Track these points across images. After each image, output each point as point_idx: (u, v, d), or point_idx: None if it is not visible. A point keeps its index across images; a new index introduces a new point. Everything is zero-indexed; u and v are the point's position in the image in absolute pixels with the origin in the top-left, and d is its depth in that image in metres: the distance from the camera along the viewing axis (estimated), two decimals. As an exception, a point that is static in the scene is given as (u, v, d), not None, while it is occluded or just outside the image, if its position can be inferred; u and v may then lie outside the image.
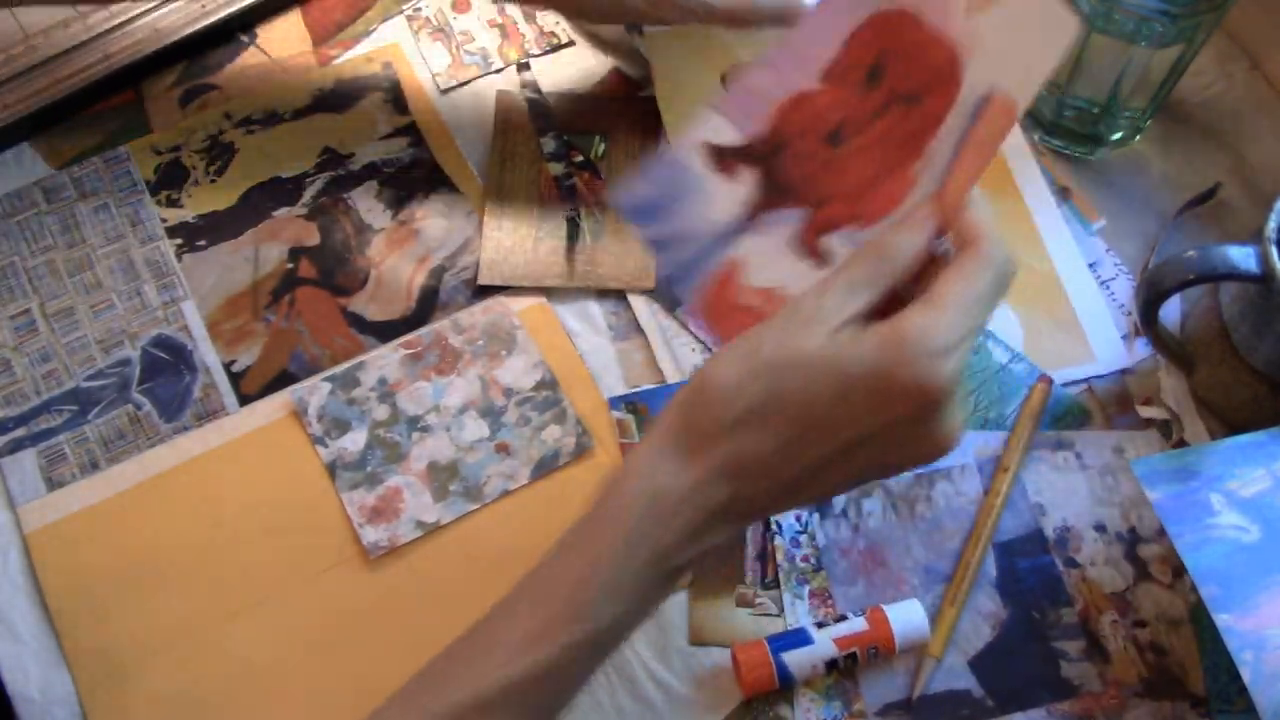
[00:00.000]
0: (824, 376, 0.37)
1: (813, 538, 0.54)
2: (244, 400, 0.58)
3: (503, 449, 0.56)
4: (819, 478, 0.39)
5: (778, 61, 0.45)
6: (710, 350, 0.59)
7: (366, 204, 0.63)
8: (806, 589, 0.53)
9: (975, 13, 0.40)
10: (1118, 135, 0.63)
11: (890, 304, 0.39)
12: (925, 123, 0.42)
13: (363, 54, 0.67)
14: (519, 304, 0.60)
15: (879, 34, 0.43)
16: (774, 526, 0.54)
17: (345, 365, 0.58)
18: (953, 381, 0.37)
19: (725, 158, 0.45)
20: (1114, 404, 0.57)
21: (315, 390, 0.57)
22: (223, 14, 0.67)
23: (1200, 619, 0.52)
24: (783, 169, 0.45)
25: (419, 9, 0.69)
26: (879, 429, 0.38)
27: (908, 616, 0.51)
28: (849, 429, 0.38)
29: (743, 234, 0.45)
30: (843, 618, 0.51)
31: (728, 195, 0.45)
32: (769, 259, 0.44)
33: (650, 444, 0.40)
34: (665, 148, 0.44)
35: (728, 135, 0.45)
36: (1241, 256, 0.48)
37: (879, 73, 0.43)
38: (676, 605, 0.53)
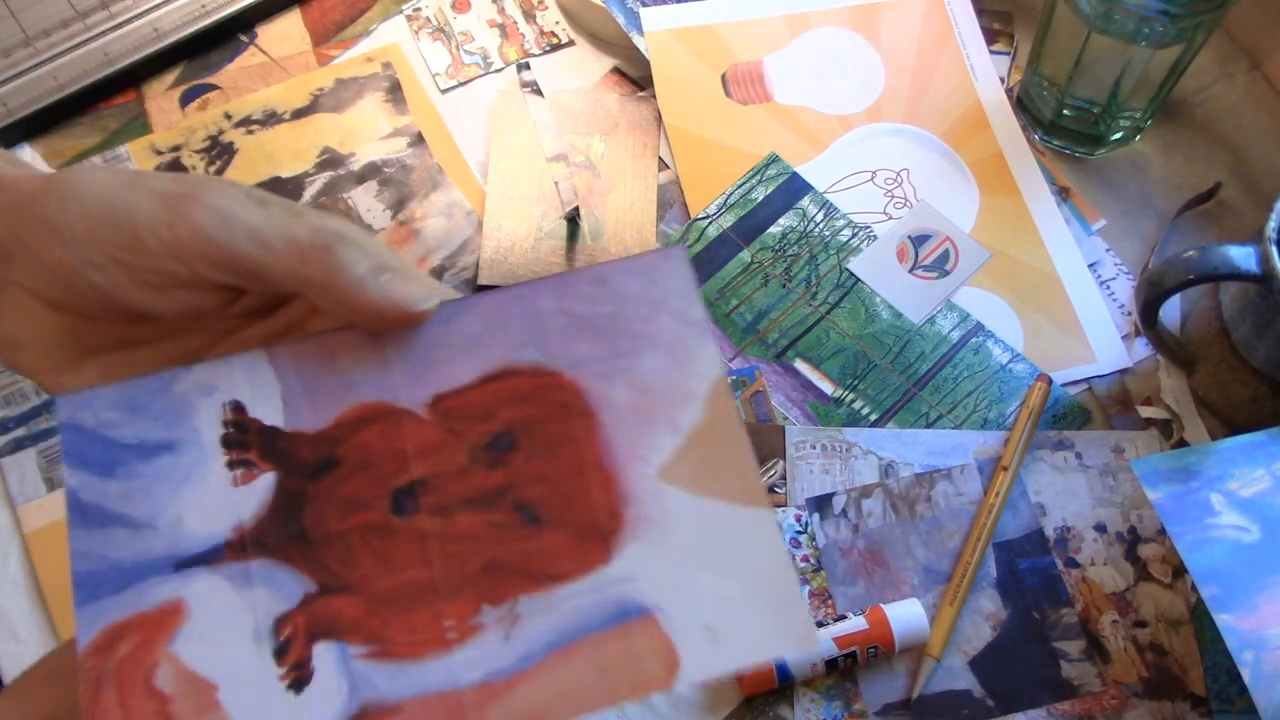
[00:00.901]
0: None
1: (813, 538, 0.54)
2: (244, 400, 0.58)
3: (502, 449, 0.56)
4: None
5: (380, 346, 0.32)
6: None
7: (366, 204, 0.63)
8: (806, 589, 0.53)
9: (678, 482, 0.30)
10: (1118, 135, 0.63)
11: None
12: (533, 559, 0.30)
13: (363, 54, 0.67)
14: (519, 304, 0.60)
15: (529, 397, 0.31)
16: (774, 527, 0.54)
17: (345, 365, 0.58)
18: None
19: (250, 441, 0.31)
20: (1114, 404, 0.57)
21: (314, 390, 0.57)
22: (223, 14, 0.67)
23: (1200, 619, 0.52)
24: (313, 503, 0.30)
25: (419, 9, 0.69)
26: None
27: (907, 616, 0.51)
28: None
29: (205, 570, 0.29)
30: (843, 617, 0.51)
31: (222, 500, 0.30)
32: (222, 631, 0.29)
33: None
34: (174, 373, 0.31)
35: (269, 408, 0.31)
36: (1241, 256, 0.48)
37: (507, 446, 0.31)
38: (676, 605, 0.53)
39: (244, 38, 0.68)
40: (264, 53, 0.68)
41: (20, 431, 0.57)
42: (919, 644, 0.51)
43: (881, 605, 0.51)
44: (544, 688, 0.28)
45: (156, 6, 0.66)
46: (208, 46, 0.67)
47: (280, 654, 0.29)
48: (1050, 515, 0.55)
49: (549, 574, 0.30)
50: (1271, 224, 0.49)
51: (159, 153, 0.64)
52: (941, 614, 0.52)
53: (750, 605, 0.29)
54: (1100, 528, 0.54)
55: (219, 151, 0.64)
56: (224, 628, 0.29)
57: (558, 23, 0.69)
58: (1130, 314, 0.60)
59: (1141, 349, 0.59)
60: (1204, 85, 0.66)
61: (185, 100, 0.66)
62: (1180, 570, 0.53)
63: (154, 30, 0.66)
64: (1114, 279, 0.61)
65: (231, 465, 0.30)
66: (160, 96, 0.66)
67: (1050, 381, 0.57)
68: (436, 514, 0.30)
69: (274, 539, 0.30)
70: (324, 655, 0.29)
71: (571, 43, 0.68)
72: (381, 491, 0.30)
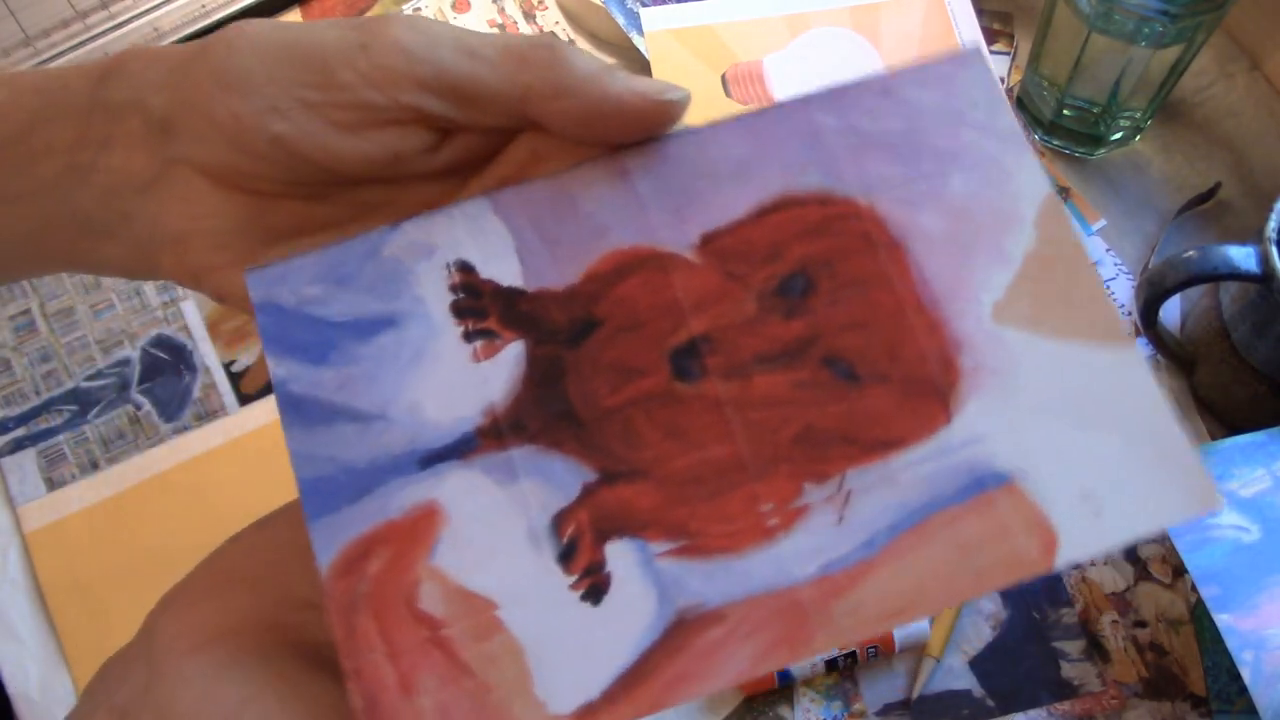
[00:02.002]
0: None
1: (813, 538, 0.54)
2: (244, 400, 0.58)
3: (503, 449, 0.56)
4: None
5: (637, 174, 0.26)
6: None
7: (366, 204, 0.63)
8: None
9: (1018, 322, 0.25)
10: (1118, 135, 0.63)
11: None
12: (857, 424, 0.25)
13: (363, 54, 0.67)
14: (519, 304, 0.60)
15: (821, 229, 0.26)
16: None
17: (345, 365, 0.58)
18: None
19: (486, 307, 0.26)
20: (1114, 404, 0.57)
21: (315, 390, 0.57)
22: (222, 14, 0.67)
23: (1200, 619, 0.52)
24: (577, 374, 0.25)
25: (419, 9, 0.69)
26: None
27: (908, 616, 0.51)
28: None
29: (458, 465, 0.24)
30: (843, 618, 0.51)
31: (463, 379, 0.25)
32: (490, 537, 0.24)
33: None
34: (380, 233, 0.26)
35: (504, 266, 0.26)
36: (1241, 256, 0.48)
37: (803, 289, 0.26)
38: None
39: (244, 38, 0.68)
40: (264, 53, 0.68)
41: (20, 431, 0.57)
42: (919, 644, 0.51)
43: (881, 605, 0.51)
44: (896, 577, 0.23)
45: (156, 6, 0.66)
46: (208, 46, 0.67)
47: (566, 558, 0.24)
48: (1050, 515, 0.54)
49: (880, 440, 0.24)
50: (1271, 224, 0.49)
51: (159, 153, 0.64)
52: (941, 614, 0.52)
53: (1131, 463, 0.24)
54: (1100, 528, 0.54)
55: (219, 151, 0.64)
56: (492, 532, 0.24)
57: (557, 23, 0.69)
58: (1130, 314, 0.60)
59: (1141, 349, 0.59)
60: (1204, 85, 0.66)
61: (185, 100, 0.66)
62: (1180, 570, 0.53)
63: (154, 30, 0.66)
64: (1114, 279, 0.61)
65: (469, 337, 0.25)
66: (160, 96, 0.66)
67: (1050, 381, 0.57)
68: (729, 376, 0.25)
69: (535, 421, 0.25)
70: (620, 556, 0.24)
71: (571, 43, 0.68)
72: (657, 354, 0.25)
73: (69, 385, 0.58)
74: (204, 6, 0.67)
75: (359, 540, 0.24)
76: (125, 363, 0.59)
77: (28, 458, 0.57)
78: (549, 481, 0.24)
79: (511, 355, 0.25)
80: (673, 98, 0.26)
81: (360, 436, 0.25)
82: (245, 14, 0.67)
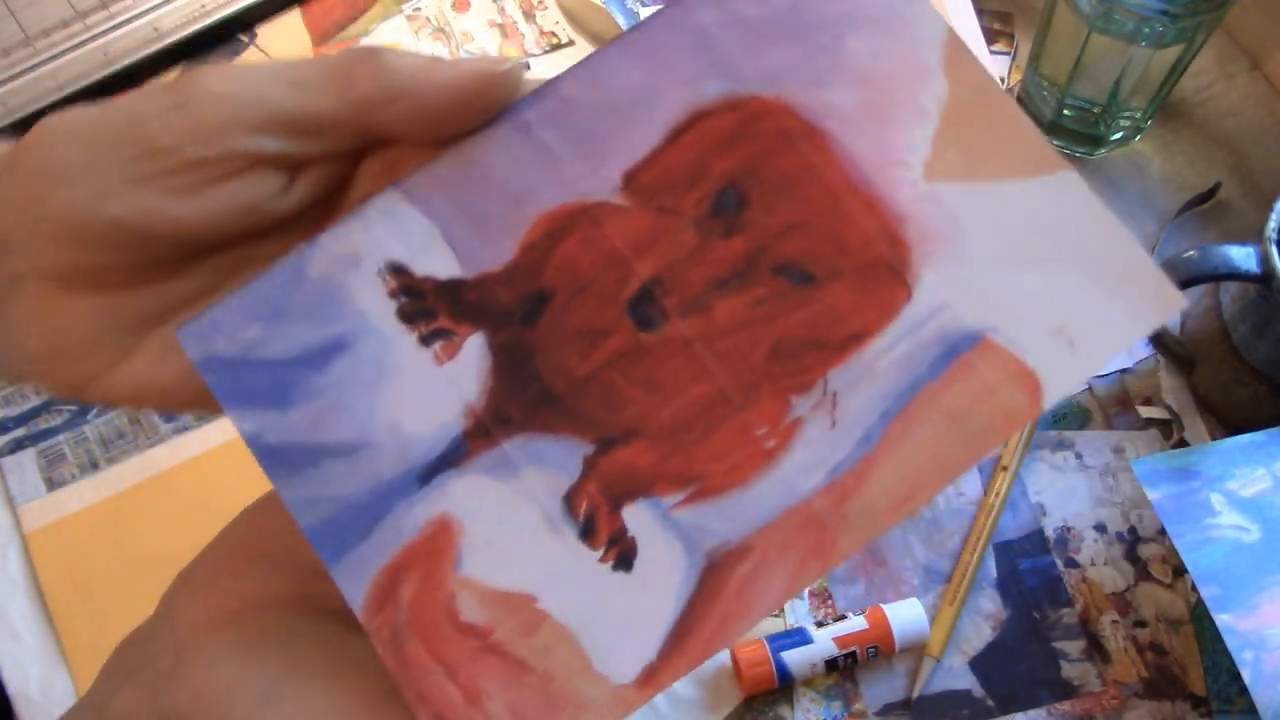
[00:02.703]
0: None
1: (813, 538, 0.54)
2: (244, 400, 0.58)
3: (503, 449, 0.56)
4: None
5: (545, 123, 0.25)
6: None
7: (366, 204, 0.63)
8: (806, 589, 0.53)
9: (950, 176, 0.25)
10: (1118, 135, 0.63)
11: None
12: (823, 325, 0.24)
13: (363, 54, 0.67)
14: (519, 304, 0.60)
15: (737, 137, 0.25)
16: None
17: (345, 365, 0.58)
18: None
19: (432, 307, 0.25)
20: (1114, 404, 0.57)
21: (315, 390, 0.57)
22: (223, 14, 0.67)
23: (1200, 619, 0.52)
24: (542, 351, 0.25)
25: (419, 9, 0.69)
26: None
27: (908, 616, 0.51)
28: None
29: (455, 472, 0.24)
30: (842, 617, 0.51)
31: (433, 385, 0.25)
32: (509, 533, 0.24)
33: None
34: (299, 253, 0.25)
35: (437, 258, 0.25)
36: (1241, 256, 0.48)
37: (735, 204, 0.25)
38: (676, 605, 0.53)
39: (244, 38, 0.68)
40: (264, 53, 0.68)
41: (20, 431, 0.57)
42: (919, 644, 0.51)
43: (881, 605, 0.51)
44: (899, 464, 0.24)
45: (156, 6, 0.66)
46: (208, 46, 0.67)
47: (588, 534, 0.24)
48: (1050, 515, 0.54)
49: (850, 335, 0.24)
50: (1271, 224, 0.49)
51: (159, 153, 0.64)
52: (941, 614, 0.52)
53: (1092, 286, 0.24)
54: (1100, 528, 0.54)
55: (219, 151, 0.64)
56: (509, 529, 0.24)
57: (558, 23, 0.69)
58: (1130, 314, 0.60)
59: (1141, 349, 0.59)
60: (1204, 85, 0.66)
61: (185, 100, 0.66)
62: (1180, 570, 0.53)
63: (154, 30, 0.66)
64: (1114, 279, 0.61)
65: (424, 340, 0.25)
66: (160, 96, 0.66)
67: (1050, 381, 0.57)
68: (688, 313, 0.25)
69: (516, 409, 0.24)
70: (637, 518, 0.24)
71: (571, 43, 0.68)
72: (615, 310, 0.25)
73: (69, 385, 0.58)
74: (204, 6, 0.67)
75: (384, 571, 0.24)
76: (125, 363, 0.59)
77: (28, 458, 0.57)
78: (548, 465, 0.24)
79: (473, 349, 0.25)
80: (504, 69, 0.25)
81: (351, 469, 0.24)
82: (245, 14, 0.67)
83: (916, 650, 0.51)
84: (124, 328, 0.26)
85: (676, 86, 0.25)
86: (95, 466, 0.56)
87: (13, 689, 0.52)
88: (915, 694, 0.51)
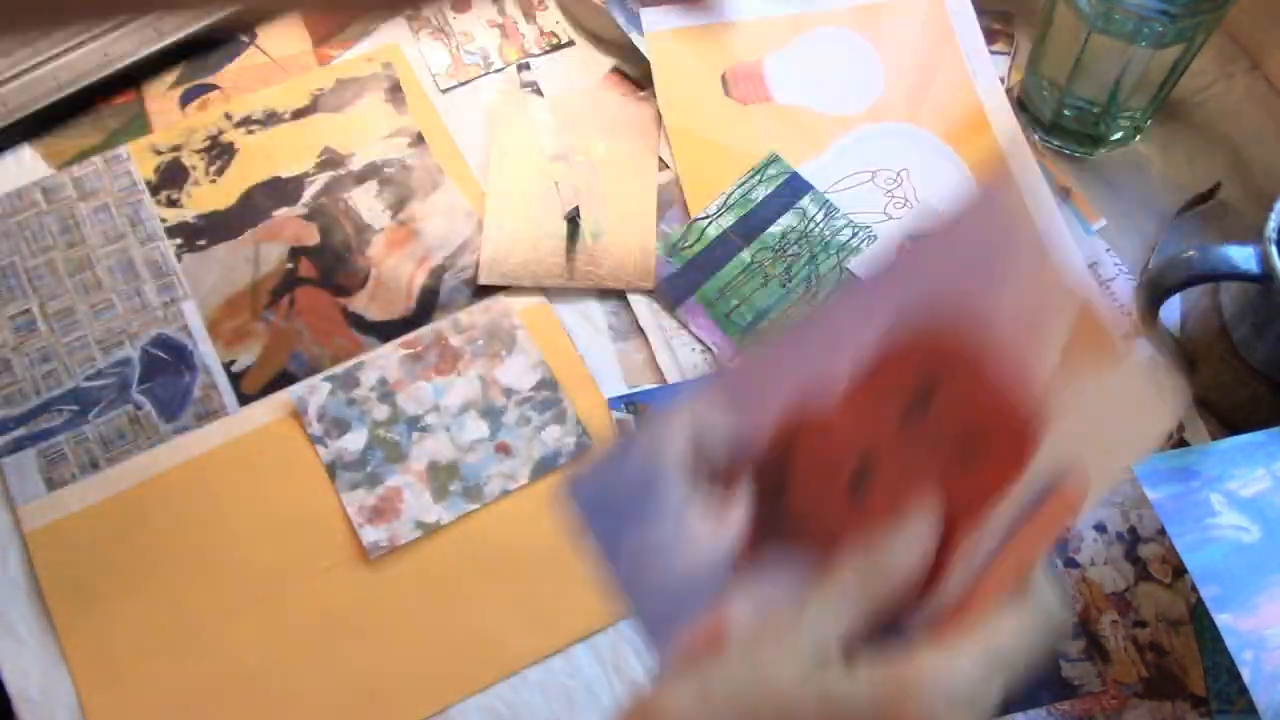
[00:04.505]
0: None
1: (813, 538, 0.54)
2: (244, 400, 0.58)
3: (503, 449, 0.56)
4: None
5: (776, 364, 0.35)
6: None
7: (366, 204, 0.63)
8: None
9: (1064, 380, 0.33)
10: (1118, 135, 0.63)
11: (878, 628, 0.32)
12: (979, 492, 0.33)
13: (363, 54, 0.67)
14: (519, 304, 0.60)
15: (927, 353, 0.34)
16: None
17: (345, 365, 0.58)
18: None
19: (723, 470, 0.34)
20: (1114, 404, 0.57)
21: (315, 390, 0.57)
22: (221, 13, 0.67)
23: (1200, 619, 0.52)
24: (790, 494, 0.34)
25: (419, 9, 0.69)
26: None
27: (908, 617, 0.51)
28: None
29: (732, 578, 0.34)
30: (843, 618, 0.51)
31: (712, 524, 0.34)
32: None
33: None
34: (632, 437, 0.36)
35: (719, 434, 0.34)
36: (1241, 256, 0.48)
37: (926, 402, 0.34)
38: (676, 605, 0.53)
39: (244, 38, 0.68)
40: (264, 53, 0.68)
41: (20, 431, 0.57)
42: (919, 644, 0.51)
43: (882, 605, 0.51)
44: (1015, 560, 0.33)
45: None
46: (208, 47, 0.67)
47: None
48: (1050, 515, 0.54)
49: (992, 493, 0.33)
50: (1271, 224, 0.49)
51: (159, 153, 0.64)
52: (941, 614, 0.52)
53: (1138, 434, 0.33)
54: (1100, 528, 0.54)
55: (219, 152, 0.64)
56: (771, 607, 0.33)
57: (558, 23, 0.69)
58: (1130, 314, 0.60)
59: (1141, 349, 0.59)
60: (1204, 85, 0.66)
61: (185, 100, 0.66)
62: (1180, 570, 0.53)
63: (154, 30, 0.66)
64: (1114, 279, 0.61)
65: (716, 491, 0.34)
66: (160, 96, 0.66)
67: (1050, 381, 0.57)
68: (893, 476, 0.33)
69: (771, 535, 0.34)
70: None
71: (571, 43, 0.68)
72: (833, 490, 0.34)
73: (69, 385, 0.58)
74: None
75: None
76: (125, 363, 0.59)
77: (28, 458, 0.57)
78: (792, 565, 0.34)
79: (742, 499, 0.34)
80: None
81: (661, 575, 0.35)
82: (245, 14, 0.67)
83: (916, 650, 0.51)
84: None
85: (877, 310, 0.34)
86: (95, 466, 0.56)
87: (13, 689, 0.52)
88: (915, 694, 0.51)
